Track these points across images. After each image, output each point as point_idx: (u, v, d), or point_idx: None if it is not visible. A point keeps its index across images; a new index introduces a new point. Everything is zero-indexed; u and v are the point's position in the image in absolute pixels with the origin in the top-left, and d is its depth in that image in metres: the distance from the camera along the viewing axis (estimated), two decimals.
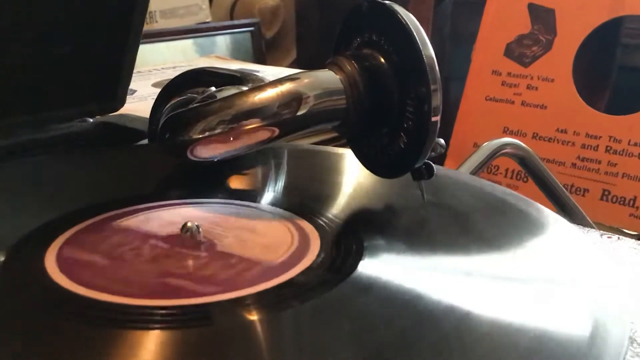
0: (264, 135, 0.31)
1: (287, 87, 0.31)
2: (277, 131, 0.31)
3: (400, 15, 0.31)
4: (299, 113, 0.31)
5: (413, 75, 0.31)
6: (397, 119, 0.32)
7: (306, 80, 0.32)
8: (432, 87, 0.30)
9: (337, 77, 0.32)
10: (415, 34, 0.31)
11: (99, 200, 0.34)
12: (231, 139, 0.31)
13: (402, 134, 0.32)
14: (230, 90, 0.33)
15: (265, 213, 0.34)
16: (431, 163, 0.33)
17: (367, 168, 0.36)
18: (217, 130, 0.31)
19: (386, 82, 0.32)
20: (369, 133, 0.34)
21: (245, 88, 0.33)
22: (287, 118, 0.31)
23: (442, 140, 0.33)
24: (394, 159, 0.33)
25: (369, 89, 0.32)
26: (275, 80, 0.32)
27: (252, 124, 0.31)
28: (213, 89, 0.36)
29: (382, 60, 0.32)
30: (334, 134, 0.35)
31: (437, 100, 0.31)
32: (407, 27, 0.31)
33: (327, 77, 0.32)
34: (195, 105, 0.33)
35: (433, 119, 0.31)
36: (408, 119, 0.32)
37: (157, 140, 0.35)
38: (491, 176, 0.98)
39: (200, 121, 0.31)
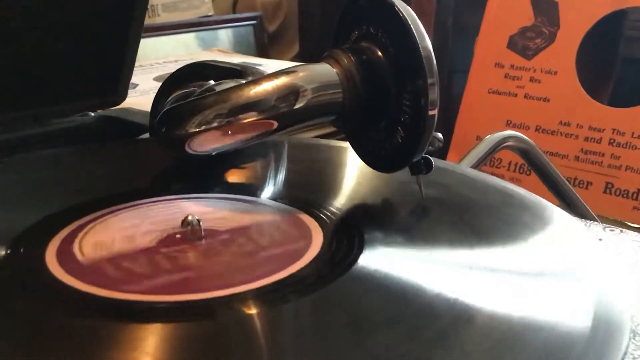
0: (261, 128, 0.31)
1: (283, 80, 0.31)
2: (274, 124, 0.31)
3: (397, 7, 0.31)
4: (296, 106, 0.31)
5: (410, 69, 0.31)
6: (395, 112, 0.32)
7: (302, 74, 0.31)
8: (429, 80, 0.30)
9: (334, 70, 0.32)
10: (412, 26, 0.30)
11: (100, 195, 0.35)
12: (228, 132, 0.30)
13: (399, 128, 0.32)
14: (229, 84, 0.33)
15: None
16: (429, 157, 0.33)
17: (365, 162, 0.35)
18: (214, 124, 0.30)
19: (383, 76, 0.32)
20: (366, 127, 0.34)
21: (243, 82, 0.33)
22: (284, 111, 0.31)
23: (439, 135, 0.33)
24: (392, 153, 0.33)
25: (365, 82, 0.32)
26: (272, 73, 0.31)
27: (249, 117, 0.30)
28: (212, 82, 0.36)
29: (380, 53, 0.32)
30: (335, 128, 0.35)
31: (434, 93, 0.30)
32: (404, 20, 0.31)
33: (324, 71, 0.32)
34: (192, 98, 0.33)
35: (430, 112, 0.30)
36: (405, 113, 0.32)
37: (155, 134, 0.35)
38: (494, 169, 0.98)
39: (197, 115, 0.31)
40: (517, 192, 0.35)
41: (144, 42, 0.52)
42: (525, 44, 1.01)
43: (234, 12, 1.38)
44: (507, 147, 0.59)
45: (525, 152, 0.59)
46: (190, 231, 0.29)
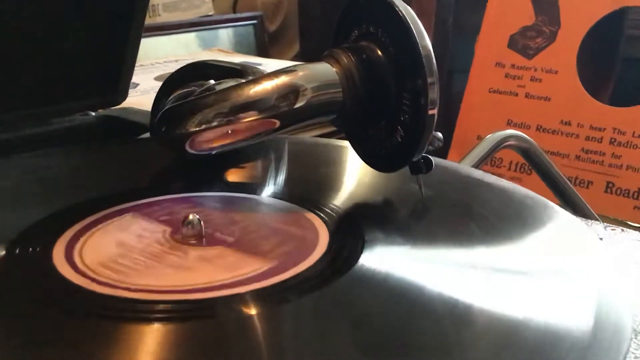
0: (261, 127, 0.31)
1: (283, 79, 0.31)
2: (274, 124, 0.31)
3: (397, 7, 0.31)
4: (296, 106, 0.31)
5: (410, 68, 0.31)
6: (394, 112, 0.32)
7: (302, 73, 0.31)
8: (429, 79, 0.30)
9: (334, 69, 0.32)
10: (412, 25, 0.30)
11: (100, 194, 0.34)
12: (228, 131, 0.30)
13: (399, 127, 0.32)
14: (229, 83, 0.33)
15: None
16: (429, 157, 0.33)
17: (365, 162, 0.35)
18: (214, 123, 0.30)
19: (383, 75, 0.32)
20: (366, 126, 0.34)
21: (243, 81, 0.33)
22: (284, 111, 0.31)
23: (439, 134, 0.33)
24: (392, 153, 0.33)
25: (365, 81, 0.32)
26: (272, 72, 0.31)
27: (249, 116, 0.30)
28: (212, 81, 0.36)
29: (379, 52, 0.32)
30: (335, 128, 0.35)
31: (434, 93, 0.30)
32: (403, 19, 0.31)
33: (324, 70, 0.32)
34: (192, 98, 0.33)
35: (430, 112, 0.30)
36: (405, 112, 0.32)
37: (155, 133, 0.34)
38: (494, 169, 0.98)
39: (197, 114, 0.31)
40: (518, 192, 0.35)
41: (144, 41, 0.52)
42: (525, 43, 1.01)
43: (234, 12, 1.38)
44: (508, 146, 0.59)
45: (526, 152, 0.59)
46: (191, 230, 0.29)
